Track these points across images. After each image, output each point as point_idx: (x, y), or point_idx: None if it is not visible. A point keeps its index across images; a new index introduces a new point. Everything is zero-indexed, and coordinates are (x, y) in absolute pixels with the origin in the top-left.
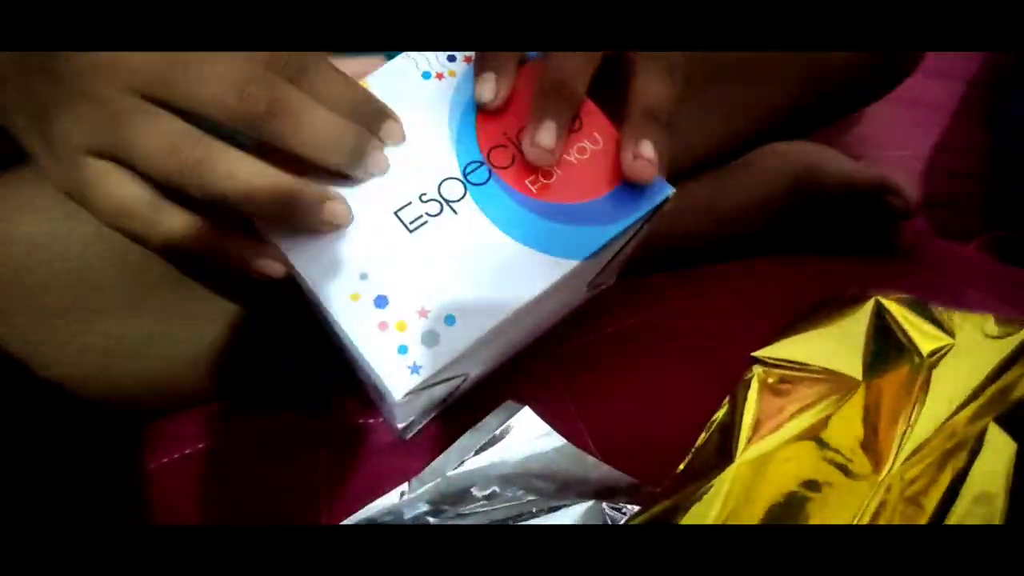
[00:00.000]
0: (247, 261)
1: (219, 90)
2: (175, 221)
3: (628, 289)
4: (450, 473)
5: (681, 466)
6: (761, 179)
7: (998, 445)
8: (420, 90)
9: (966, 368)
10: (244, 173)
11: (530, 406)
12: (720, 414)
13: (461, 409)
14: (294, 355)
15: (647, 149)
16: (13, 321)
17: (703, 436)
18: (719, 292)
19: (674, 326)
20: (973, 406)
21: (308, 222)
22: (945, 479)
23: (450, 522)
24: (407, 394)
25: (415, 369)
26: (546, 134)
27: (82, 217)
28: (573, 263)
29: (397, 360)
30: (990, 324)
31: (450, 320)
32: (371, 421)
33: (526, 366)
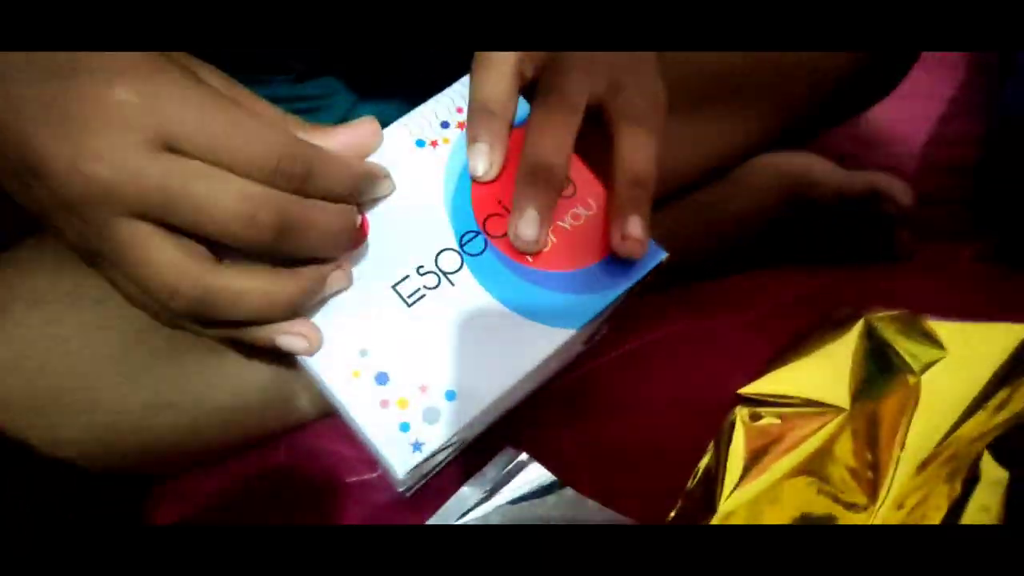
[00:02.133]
0: (274, 334)
1: (226, 219)
2: (228, 281)
3: (625, 313)
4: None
5: (671, 514)
6: (752, 193)
7: (992, 476)
8: (414, 159)
9: (960, 382)
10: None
11: (528, 446)
12: (705, 460)
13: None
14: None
15: (635, 228)
16: (15, 407)
17: (691, 482)
18: (718, 311)
19: (673, 350)
20: (970, 424)
21: (315, 303)
22: (942, 506)
23: None
24: (409, 471)
25: (417, 446)
26: (527, 226)
27: (81, 300)
28: (570, 332)
29: (399, 438)
30: (983, 333)
31: (450, 396)
32: (367, 478)
33: (524, 406)
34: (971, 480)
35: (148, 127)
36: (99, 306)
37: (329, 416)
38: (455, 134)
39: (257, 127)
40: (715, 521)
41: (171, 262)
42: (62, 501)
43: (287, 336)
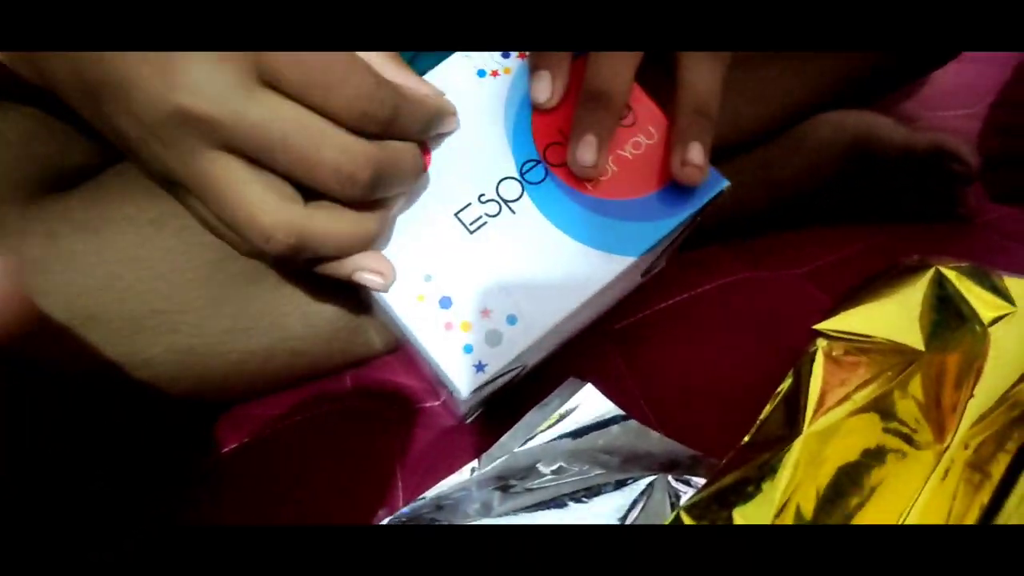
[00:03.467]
0: (352, 269)
1: (325, 176)
2: (319, 225)
3: (683, 263)
4: (517, 450)
5: (746, 438)
6: (814, 148)
7: None
8: (475, 88)
9: None
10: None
11: (591, 382)
12: (784, 386)
13: (522, 385)
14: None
15: (696, 155)
16: (106, 325)
17: (768, 408)
18: (775, 263)
19: (730, 299)
20: None
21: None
22: (1012, 447)
23: (519, 496)
24: (474, 391)
25: (480, 367)
26: (586, 150)
27: (166, 227)
28: (630, 259)
29: (463, 359)
30: None
31: (512, 320)
32: (430, 405)
33: (585, 343)
34: None
35: (245, 59)
36: (182, 232)
37: (394, 352)
38: (516, 64)
39: (348, 68)
40: (800, 440)
41: (264, 206)
42: (143, 422)
43: (364, 273)
